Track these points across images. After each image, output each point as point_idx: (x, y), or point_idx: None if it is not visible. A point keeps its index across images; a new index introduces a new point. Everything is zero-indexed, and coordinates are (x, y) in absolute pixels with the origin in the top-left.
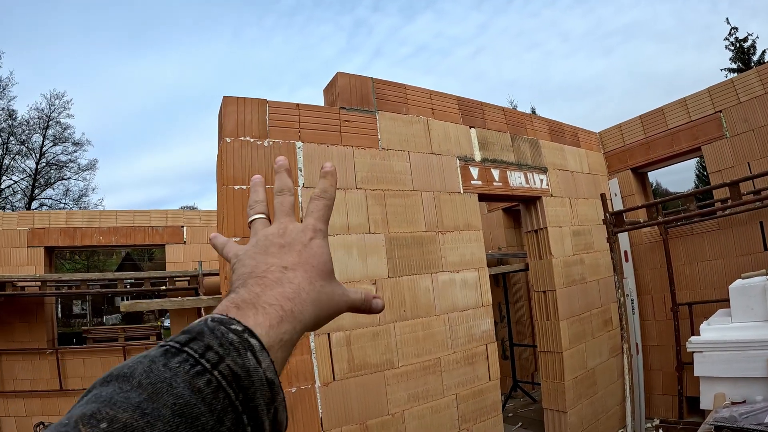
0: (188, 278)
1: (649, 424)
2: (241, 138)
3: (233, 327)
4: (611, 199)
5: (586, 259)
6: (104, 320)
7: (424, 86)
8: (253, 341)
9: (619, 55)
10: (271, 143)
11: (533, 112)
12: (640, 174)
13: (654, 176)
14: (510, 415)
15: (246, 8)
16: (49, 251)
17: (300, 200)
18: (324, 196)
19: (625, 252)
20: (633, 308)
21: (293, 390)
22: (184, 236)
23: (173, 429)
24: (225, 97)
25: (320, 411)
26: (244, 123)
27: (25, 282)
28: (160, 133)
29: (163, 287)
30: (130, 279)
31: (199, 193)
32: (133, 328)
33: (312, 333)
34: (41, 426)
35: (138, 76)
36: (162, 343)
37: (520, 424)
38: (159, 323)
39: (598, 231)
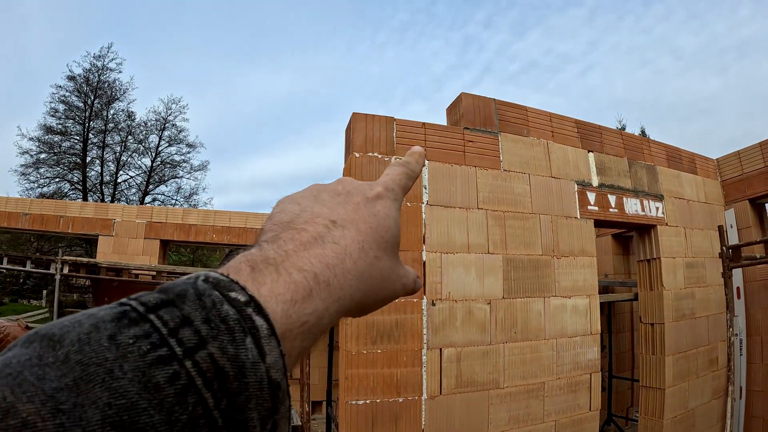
0: None
1: None
2: (369, 153)
3: (232, 295)
4: (727, 231)
5: (697, 294)
6: None
7: (534, 106)
8: (258, 320)
9: (734, 74)
10: (398, 160)
11: (642, 132)
12: (758, 205)
13: None
14: None
15: (360, 24)
16: (164, 244)
17: (424, 217)
18: (405, 164)
19: (738, 288)
20: (741, 349)
21: (400, 400)
22: None
23: None
24: (354, 114)
25: (423, 423)
26: (372, 139)
27: (140, 270)
28: (271, 139)
29: None
30: None
31: None
32: None
33: (425, 346)
34: None
35: (253, 85)
36: (124, 300)
37: None
38: None
39: (711, 264)
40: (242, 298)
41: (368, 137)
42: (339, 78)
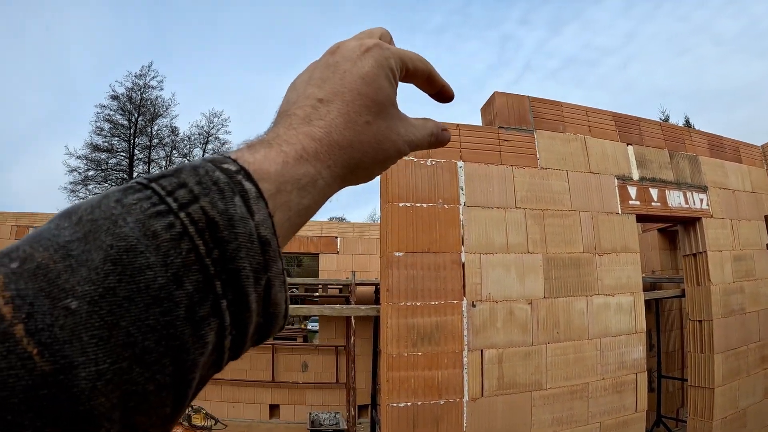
0: (340, 286)
1: None
2: (405, 157)
3: (225, 166)
4: None
5: (747, 288)
6: None
7: (574, 102)
8: (247, 185)
9: None
10: (434, 162)
11: (687, 122)
12: None
13: None
14: None
15: (396, 30)
16: None
17: (462, 218)
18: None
19: None
20: None
21: (442, 402)
22: (338, 246)
23: (100, 279)
24: None
25: (464, 426)
26: None
27: None
28: None
29: (316, 293)
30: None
31: (348, 205)
32: None
33: (465, 348)
34: (190, 408)
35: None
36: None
37: None
38: (303, 326)
39: (760, 257)
40: (233, 167)
41: None
42: None
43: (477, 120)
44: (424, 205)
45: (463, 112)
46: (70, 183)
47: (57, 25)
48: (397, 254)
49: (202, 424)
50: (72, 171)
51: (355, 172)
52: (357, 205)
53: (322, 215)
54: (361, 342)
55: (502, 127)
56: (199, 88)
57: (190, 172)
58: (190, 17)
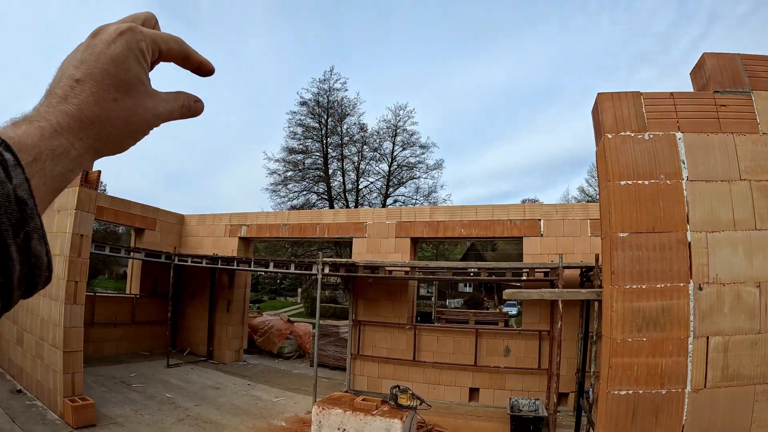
0: (547, 270)
1: None
2: (621, 133)
3: None
4: None
5: None
6: (446, 303)
7: None
8: (7, 155)
9: None
10: (651, 136)
11: None
12: None
13: None
14: None
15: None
16: (414, 241)
17: (685, 194)
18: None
19: None
20: None
21: (663, 392)
22: (541, 229)
23: None
24: (600, 94)
25: (684, 418)
26: (622, 118)
27: (394, 267)
28: (500, 130)
29: (522, 278)
30: (491, 269)
31: (540, 186)
32: (483, 313)
33: (691, 334)
34: (397, 389)
35: (474, 79)
36: None
37: None
38: (498, 309)
39: None
40: None
41: (617, 116)
42: (557, 57)
43: (667, 84)
44: (646, 182)
45: (650, 77)
46: (271, 184)
47: (241, 49)
48: (621, 235)
49: (408, 404)
50: (272, 173)
51: (106, 144)
52: (551, 185)
53: (515, 198)
54: (566, 327)
55: (717, 92)
56: (382, 84)
57: None
58: (364, 19)
